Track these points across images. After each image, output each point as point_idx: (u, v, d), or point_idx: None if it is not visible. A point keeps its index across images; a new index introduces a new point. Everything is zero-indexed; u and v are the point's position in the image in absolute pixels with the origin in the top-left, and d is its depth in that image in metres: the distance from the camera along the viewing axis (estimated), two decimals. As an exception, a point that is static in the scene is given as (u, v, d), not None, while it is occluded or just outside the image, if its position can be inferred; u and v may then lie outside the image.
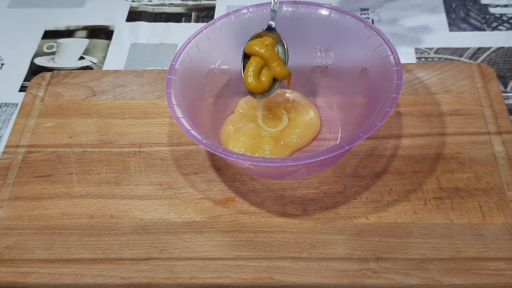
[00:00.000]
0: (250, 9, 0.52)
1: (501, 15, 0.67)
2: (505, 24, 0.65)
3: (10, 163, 0.54)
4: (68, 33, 0.70)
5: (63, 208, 0.51)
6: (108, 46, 0.68)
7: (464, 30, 0.65)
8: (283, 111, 0.53)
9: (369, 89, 0.49)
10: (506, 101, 0.56)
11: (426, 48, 0.64)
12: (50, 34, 0.70)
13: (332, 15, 0.50)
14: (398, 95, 0.43)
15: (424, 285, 0.44)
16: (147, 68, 0.63)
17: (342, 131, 0.54)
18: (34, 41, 0.69)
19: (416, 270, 0.44)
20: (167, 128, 0.56)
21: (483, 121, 0.53)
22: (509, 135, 0.52)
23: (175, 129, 0.56)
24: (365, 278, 0.44)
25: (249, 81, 0.47)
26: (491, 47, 0.63)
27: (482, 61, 0.61)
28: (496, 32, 0.65)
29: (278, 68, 0.47)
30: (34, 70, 0.65)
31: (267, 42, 0.48)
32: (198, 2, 0.72)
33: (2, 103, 0.62)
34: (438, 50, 0.63)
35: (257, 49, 0.47)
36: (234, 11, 0.52)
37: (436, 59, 0.62)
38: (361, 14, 0.68)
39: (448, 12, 0.67)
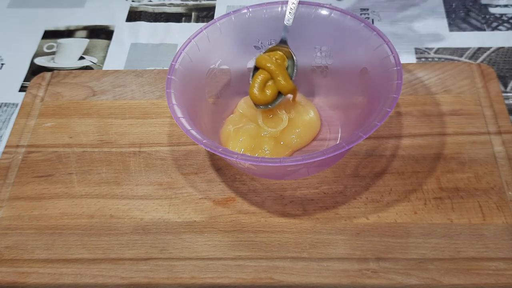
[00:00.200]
0: (250, 9, 0.52)
1: (501, 15, 0.66)
2: (505, 24, 0.65)
3: (10, 163, 0.54)
4: (68, 33, 0.70)
5: (63, 208, 0.51)
6: (108, 46, 0.68)
7: (464, 30, 0.65)
8: (283, 111, 0.53)
9: (369, 89, 0.49)
10: (506, 101, 0.56)
11: (426, 48, 0.64)
12: (50, 34, 0.70)
13: (332, 15, 0.50)
14: (398, 95, 0.43)
15: (424, 285, 0.44)
16: (147, 68, 0.63)
17: (342, 131, 0.54)
18: (34, 41, 0.69)
19: (416, 270, 0.44)
20: (167, 128, 0.56)
21: (483, 121, 0.53)
22: (509, 135, 0.52)
23: (175, 129, 0.56)
24: (365, 278, 0.44)
25: (254, 92, 0.49)
26: (491, 47, 0.63)
27: (482, 61, 0.61)
28: (496, 32, 0.65)
29: (283, 83, 0.49)
30: (34, 70, 0.65)
31: (277, 57, 0.50)
32: (198, 2, 0.72)
33: (2, 103, 0.62)
34: (438, 50, 0.63)
35: (265, 63, 0.49)
36: (234, 11, 0.52)
37: (436, 59, 0.62)
38: (361, 14, 0.68)
39: (448, 12, 0.67)
